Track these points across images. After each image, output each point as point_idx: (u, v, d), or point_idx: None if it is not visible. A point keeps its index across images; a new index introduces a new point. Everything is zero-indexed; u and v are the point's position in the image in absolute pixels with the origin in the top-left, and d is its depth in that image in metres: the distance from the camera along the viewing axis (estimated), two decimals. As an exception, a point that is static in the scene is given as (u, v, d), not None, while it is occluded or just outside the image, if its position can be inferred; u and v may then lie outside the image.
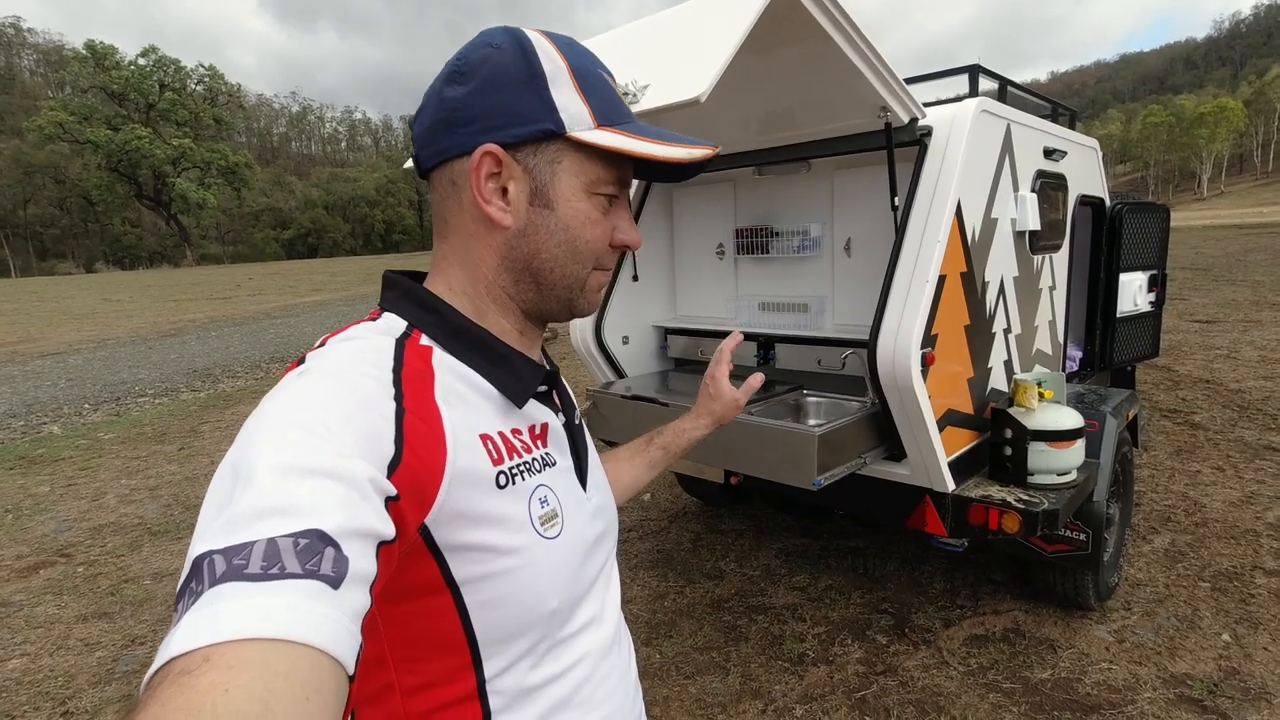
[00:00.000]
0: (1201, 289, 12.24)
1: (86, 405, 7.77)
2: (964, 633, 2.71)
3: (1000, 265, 2.46)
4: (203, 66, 78.09)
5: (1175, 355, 7.17)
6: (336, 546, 0.41)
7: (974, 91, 2.42)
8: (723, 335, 2.91)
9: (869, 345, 2.07)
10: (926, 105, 2.30)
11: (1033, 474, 2.30)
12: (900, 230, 2.13)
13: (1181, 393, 5.83)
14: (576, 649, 0.66)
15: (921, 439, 2.13)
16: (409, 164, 0.67)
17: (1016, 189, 2.53)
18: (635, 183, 2.51)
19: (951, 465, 2.26)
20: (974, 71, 2.47)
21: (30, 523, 4.31)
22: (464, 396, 0.59)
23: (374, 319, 0.63)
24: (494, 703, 0.60)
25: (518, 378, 0.64)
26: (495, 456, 0.59)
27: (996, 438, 2.37)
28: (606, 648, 0.70)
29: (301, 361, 0.56)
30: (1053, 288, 2.98)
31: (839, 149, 2.34)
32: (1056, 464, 2.28)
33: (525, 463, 0.62)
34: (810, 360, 2.63)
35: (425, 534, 0.53)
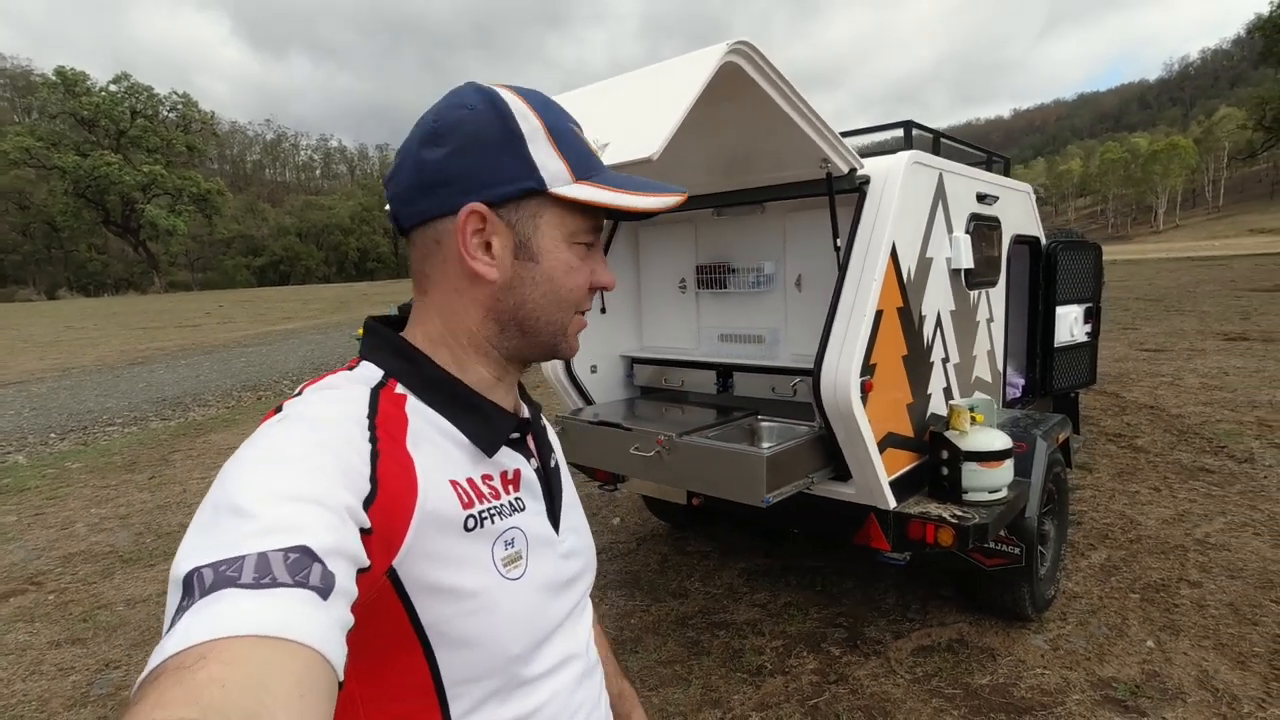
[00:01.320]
0: (1153, 319, 12.80)
1: (53, 435, 7.68)
2: (912, 644, 2.87)
3: (936, 300, 2.68)
4: (176, 94, 77.62)
5: (1123, 382, 7.53)
6: (323, 563, 0.43)
7: (908, 144, 2.67)
8: (686, 365, 3.11)
9: (813, 374, 2.26)
10: (868, 155, 2.54)
11: (967, 492, 2.50)
12: (842, 269, 2.35)
13: (1127, 418, 6.14)
14: (545, 688, 0.67)
15: (863, 460, 2.32)
16: (388, 221, 0.72)
17: (951, 231, 2.77)
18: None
19: (893, 484, 2.45)
20: (908, 126, 2.72)
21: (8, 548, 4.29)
22: (436, 443, 0.61)
23: (352, 368, 0.66)
24: None
25: (489, 427, 0.66)
26: (465, 501, 0.61)
27: (934, 459, 2.57)
28: (577, 682, 0.72)
29: (279, 410, 0.57)
30: (990, 320, 3.23)
31: (789, 194, 2.56)
32: (988, 482, 2.48)
33: (494, 507, 0.63)
34: (765, 388, 2.81)
35: (393, 577, 0.55)
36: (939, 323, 2.72)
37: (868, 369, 2.24)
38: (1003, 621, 2.97)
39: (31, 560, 4.14)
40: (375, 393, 0.61)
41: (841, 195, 2.41)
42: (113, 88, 71.89)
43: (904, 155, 2.45)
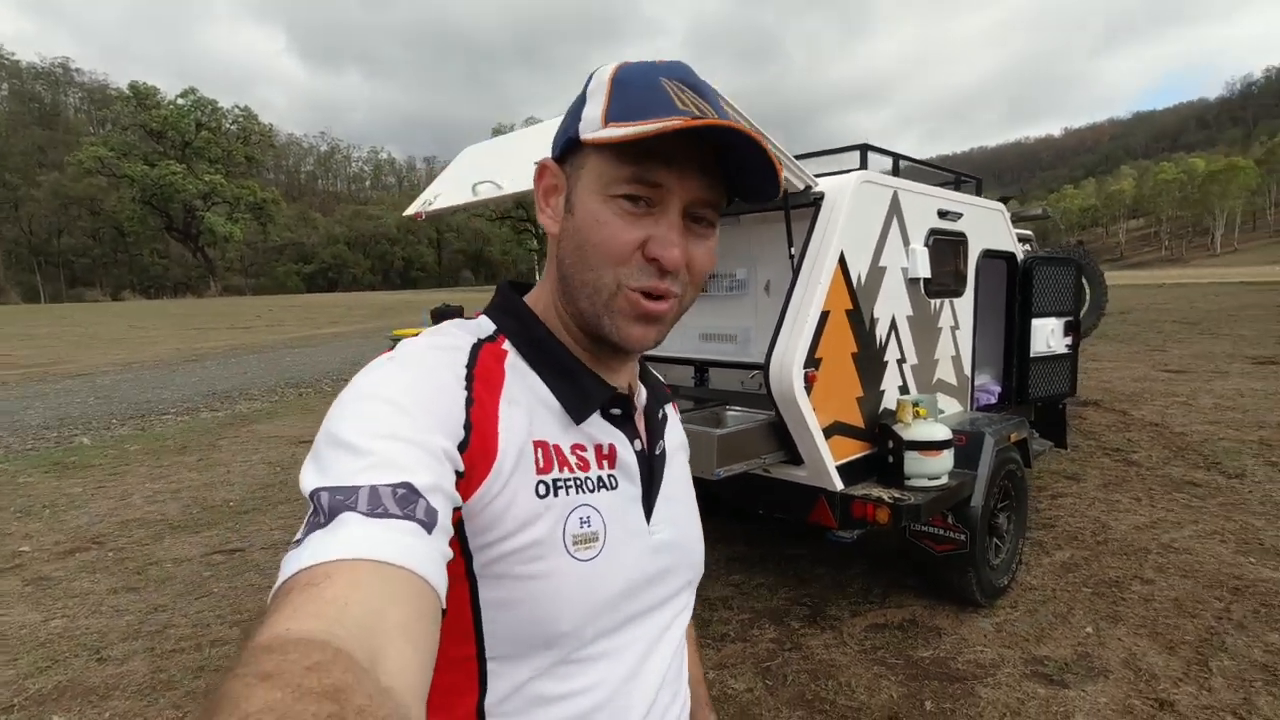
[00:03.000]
0: (1185, 341, 12.61)
1: (115, 420, 8.36)
2: (866, 621, 3.13)
3: (890, 305, 2.96)
4: (238, 107, 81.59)
5: (1136, 401, 7.56)
6: (426, 500, 0.47)
7: (863, 165, 2.97)
8: (672, 362, 3.43)
9: (764, 366, 2.57)
10: (830, 175, 2.85)
11: (909, 478, 2.77)
12: (795, 274, 2.65)
13: (1129, 434, 6.22)
14: (596, 673, 0.63)
15: (810, 445, 2.61)
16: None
17: (908, 243, 3.05)
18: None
19: (841, 469, 2.73)
20: (863, 150, 3.02)
21: (65, 516, 4.82)
22: (528, 404, 0.61)
23: (474, 319, 0.67)
24: (490, 700, 0.60)
25: (582, 394, 0.64)
26: (543, 465, 0.60)
27: (882, 448, 2.85)
28: (649, 678, 0.67)
29: (393, 347, 0.60)
30: (955, 327, 3.47)
31: (758, 208, 2.88)
32: (928, 469, 2.74)
33: (575, 479, 0.62)
34: (736, 382, 3.12)
35: (459, 523, 0.55)
36: (893, 326, 2.99)
37: (812, 362, 2.54)
38: (955, 606, 3.20)
39: (94, 524, 4.65)
40: (479, 345, 0.62)
41: (800, 210, 2.73)
42: (180, 101, 75.73)
43: (855, 175, 2.76)
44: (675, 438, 0.79)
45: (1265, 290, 26.22)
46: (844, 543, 3.01)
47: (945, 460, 2.76)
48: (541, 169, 0.64)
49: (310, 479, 0.48)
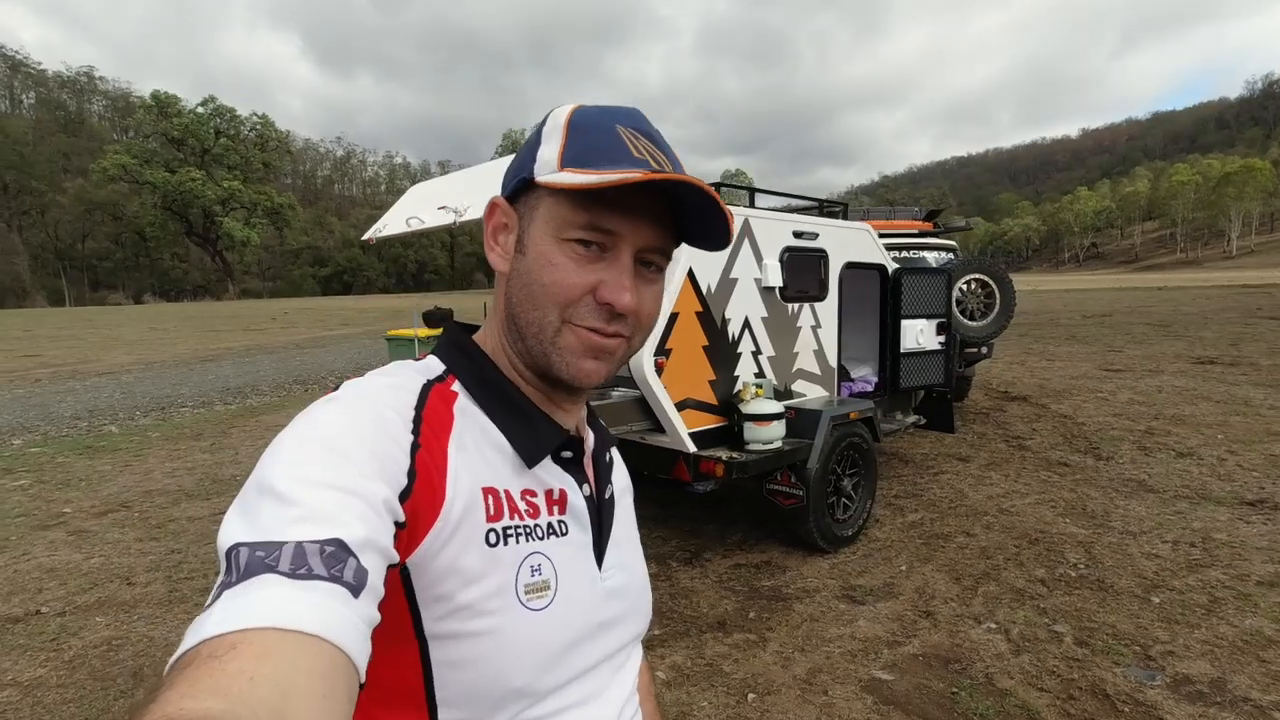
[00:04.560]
0: (1145, 343, 13.22)
1: (137, 412, 9.30)
2: (731, 562, 3.91)
3: (743, 308, 3.75)
4: (255, 114, 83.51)
5: (1058, 396, 8.26)
6: (357, 558, 0.44)
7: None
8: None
9: (630, 355, 3.36)
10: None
11: (748, 443, 3.55)
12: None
13: (1036, 424, 6.95)
14: None
15: (665, 415, 3.41)
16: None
17: (761, 259, 3.83)
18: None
19: (694, 436, 3.52)
20: (718, 187, 3.80)
21: (98, 487, 5.71)
22: (478, 447, 0.60)
23: (421, 359, 0.66)
24: None
25: (534, 438, 0.63)
26: (493, 512, 0.58)
27: (730, 419, 3.63)
28: None
29: (336, 388, 0.58)
30: (816, 326, 4.25)
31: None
32: (761, 436, 3.53)
33: (525, 526, 0.60)
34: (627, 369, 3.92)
35: (404, 576, 0.53)
36: (747, 324, 3.78)
37: (662, 351, 3.33)
38: (806, 551, 3.97)
39: (122, 493, 5.53)
40: (428, 386, 0.61)
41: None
42: (200, 109, 77.59)
43: (706, 208, 3.55)
44: (621, 481, 0.79)
45: (1254, 293, 26.55)
46: (698, 492, 3.76)
47: (775, 429, 3.54)
48: (492, 207, 0.64)
49: (230, 532, 0.44)
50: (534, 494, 0.62)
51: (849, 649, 2.98)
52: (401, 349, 9.42)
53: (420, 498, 0.52)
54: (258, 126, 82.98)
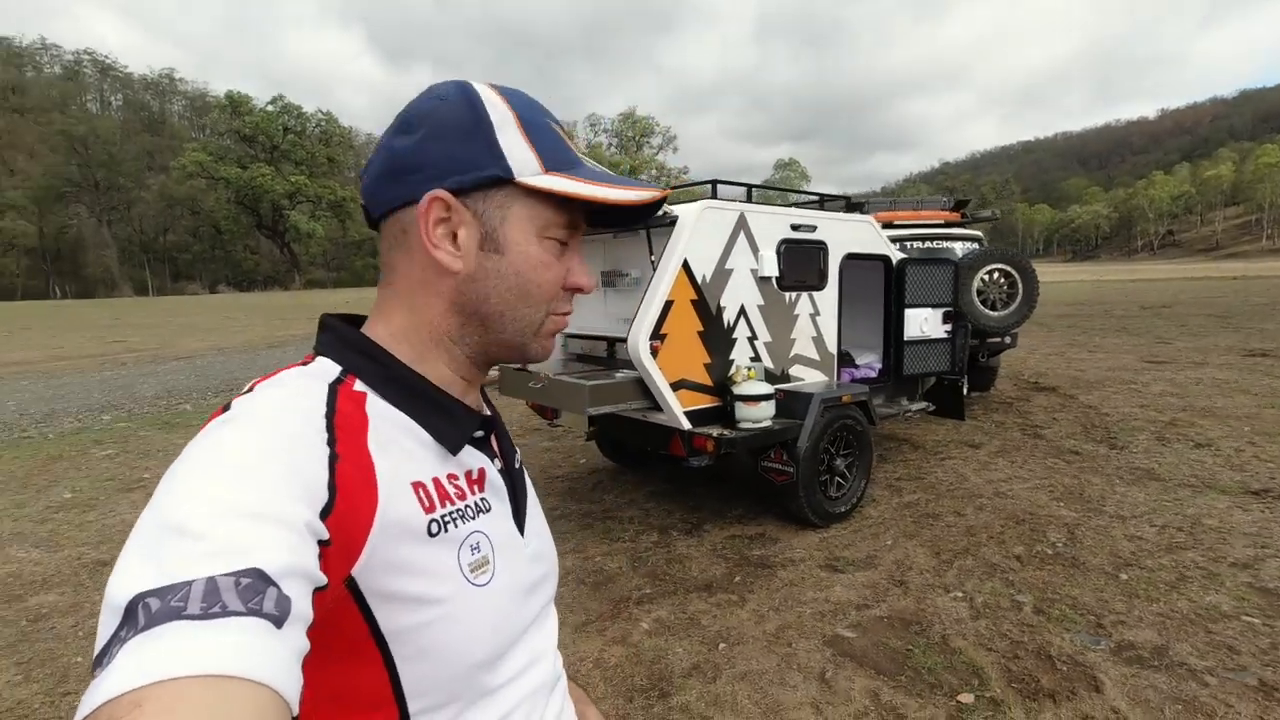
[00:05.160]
0: (1198, 335, 12.77)
1: (209, 392, 10.13)
2: (727, 533, 4.20)
3: (739, 296, 4.01)
4: (320, 111, 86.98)
5: (1089, 388, 8.18)
6: (277, 586, 0.41)
7: (714, 195, 4.01)
8: (599, 339, 4.55)
9: (629, 338, 3.68)
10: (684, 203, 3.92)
11: (740, 421, 3.83)
12: (653, 274, 3.75)
13: (1058, 414, 6.95)
14: (511, 696, 0.65)
15: (660, 395, 3.71)
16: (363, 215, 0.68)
17: (756, 250, 4.08)
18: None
19: (689, 414, 3.82)
20: (714, 184, 4.06)
21: (173, 457, 6.32)
22: (398, 443, 0.59)
23: (306, 363, 0.62)
24: None
25: (454, 424, 0.64)
26: (427, 505, 0.58)
27: (724, 400, 3.91)
28: (543, 689, 0.71)
29: (227, 408, 0.53)
30: (815, 314, 4.47)
31: (644, 225, 3.97)
32: (750, 415, 3.80)
33: (458, 510, 0.61)
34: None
35: (352, 586, 0.52)
36: (743, 312, 4.04)
37: (657, 335, 3.64)
38: (799, 526, 4.22)
39: (192, 462, 6.18)
40: (334, 389, 0.58)
41: (665, 228, 3.82)
42: (270, 107, 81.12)
43: (700, 203, 3.83)
44: (516, 448, 0.80)
45: (1341, 284, 24.93)
46: (693, 468, 4.05)
47: (765, 409, 3.81)
48: (432, 201, 0.60)
49: (129, 581, 0.39)
50: (456, 477, 0.63)
51: (820, 610, 3.24)
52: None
53: (346, 509, 0.50)
54: (322, 123, 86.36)
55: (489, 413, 0.73)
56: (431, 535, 0.58)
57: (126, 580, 0.39)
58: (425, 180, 0.60)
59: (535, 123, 0.63)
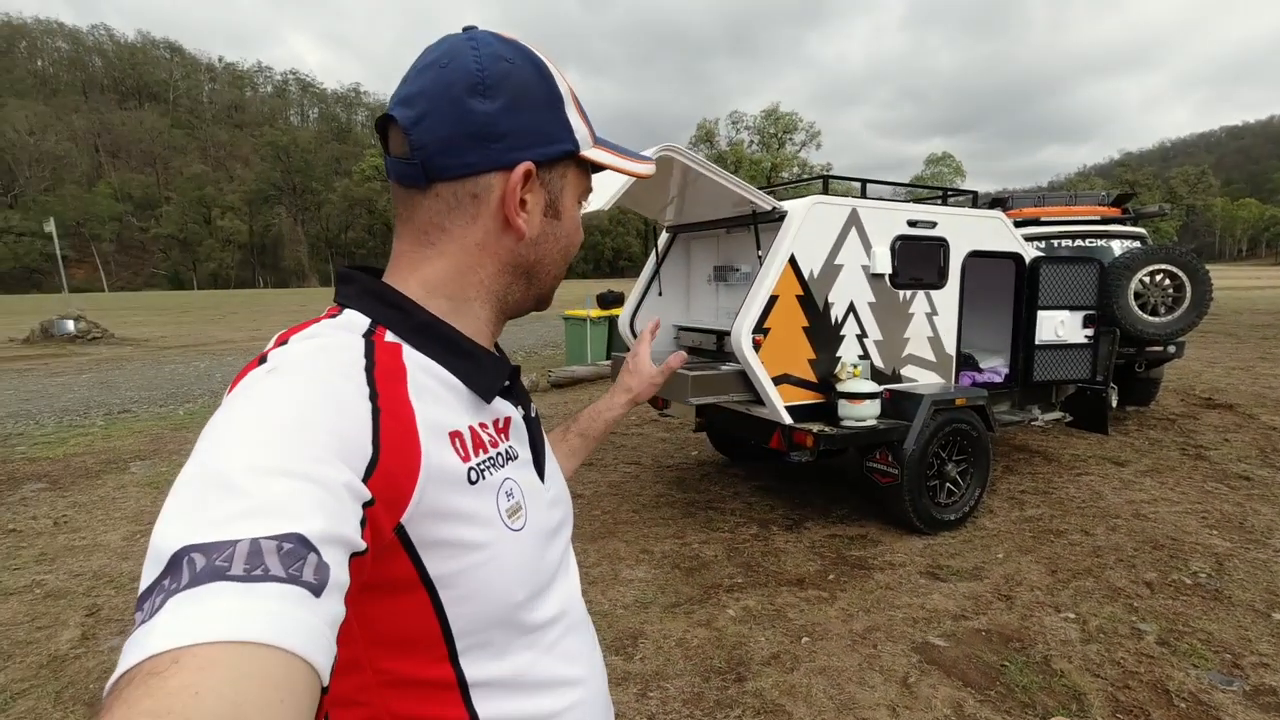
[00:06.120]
0: None
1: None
2: (828, 531, 4.17)
3: (848, 293, 3.96)
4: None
5: (1274, 407, 7.12)
6: (318, 553, 0.41)
7: (825, 190, 3.97)
8: (709, 333, 4.67)
9: (732, 331, 3.77)
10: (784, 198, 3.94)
11: (842, 419, 3.80)
12: (761, 268, 3.81)
13: (1231, 435, 6.14)
14: (549, 636, 0.69)
15: (762, 388, 3.77)
16: (391, 168, 0.66)
17: (869, 247, 4.01)
18: (664, 231, 4.47)
19: (791, 410, 3.84)
20: (825, 179, 4.01)
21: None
22: (435, 393, 0.60)
23: (333, 315, 0.62)
24: (475, 694, 0.62)
25: (485, 373, 0.66)
26: (464, 453, 0.60)
27: (828, 397, 3.90)
28: (580, 623, 0.76)
29: (263, 360, 0.54)
30: (931, 314, 4.30)
31: (749, 222, 4.04)
32: (854, 414, 3.75)
33: (491, 457, 0.63)
34: (738, 347, 4.31)
35: (401, 533, 0.53)
36: (851, 308, 3.99)
37: (761, 330, 3.70)
38: (903, 530, 4.10)
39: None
40: (370, 341, 0.58)
41: (773, 223, 3.87)
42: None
43: (810, 198, 3.83)
44: (533, 403, 0.80)
45: None
46: (793, 463, 4.03)
47: (868, 408, 3.75)
48: (528, 173, 0.64)
49: (175, 531, 0.40)
50: (486, 426, 0.65)
51: (913, 616, 3.17)
52: (575, 327, 10.48)
53: (390, 462, 0.51)
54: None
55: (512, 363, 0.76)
56: (471, 483, 0.60)
57: (172, 530, 0.40)
58: (510, 149, 0.63)
59: (578, 95, 0.69)
